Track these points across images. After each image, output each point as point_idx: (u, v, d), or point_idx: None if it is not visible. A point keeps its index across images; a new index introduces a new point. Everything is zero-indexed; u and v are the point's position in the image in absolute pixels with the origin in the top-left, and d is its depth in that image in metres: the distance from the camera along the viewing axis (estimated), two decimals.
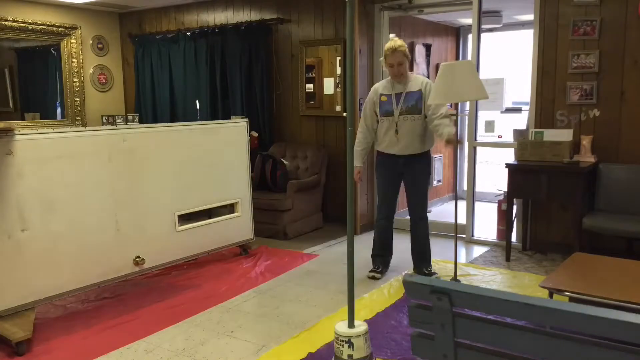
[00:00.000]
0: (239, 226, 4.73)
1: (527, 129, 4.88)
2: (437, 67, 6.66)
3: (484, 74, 5.59)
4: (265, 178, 5.74)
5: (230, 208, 4.71)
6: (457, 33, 7.57)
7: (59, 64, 7.00)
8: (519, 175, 4.58)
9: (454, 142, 3.89)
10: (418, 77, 4.15)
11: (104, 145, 3.64)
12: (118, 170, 3.73)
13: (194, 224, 4.34)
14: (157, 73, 7.12)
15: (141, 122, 7.02)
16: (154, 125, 4.90)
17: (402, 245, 5.35)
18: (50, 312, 3.74)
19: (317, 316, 3.59)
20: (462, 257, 4.88)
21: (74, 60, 7.04)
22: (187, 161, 4.23)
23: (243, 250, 4.92)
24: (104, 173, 3.65)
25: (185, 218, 4.31)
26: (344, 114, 5.66)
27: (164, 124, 5.16)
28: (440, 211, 6.95)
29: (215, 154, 4.45)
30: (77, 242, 3.51)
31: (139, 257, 3.86)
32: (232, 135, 4.62)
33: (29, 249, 3.26)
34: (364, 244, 5.37)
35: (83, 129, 3.70)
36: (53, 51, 6.99)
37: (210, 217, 4.60)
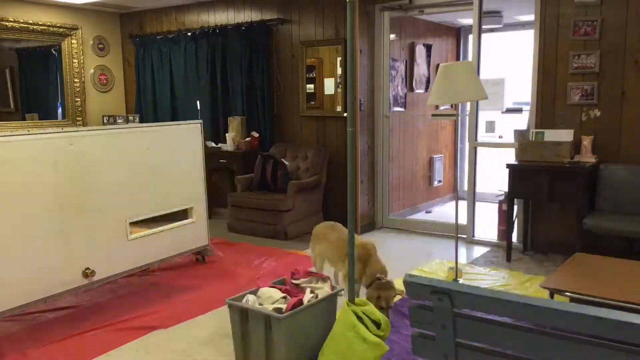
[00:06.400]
0: (194, 233, 4.51)
1: (528, 129, 4.88)
2: (437, 67, 6.68)
3: (485, 74, 5.59)
4: (266, 178, 5.75)
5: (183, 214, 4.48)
6: (457, 33, 7.57)
7: (60, 65, 7.01)
8: (520, 175, 4.58)
9: None
10: None
11: (49, 150, 3.40)
12: (65, 176, 3.49)
13: (146, 232, 4.12)
14: (157, 73, 7.12)
15: (142, 122, 7.04)
16: (101, 127, 4.74)
17: (396, 246, 5.35)
18: (51, 312, 3.74)
19: None
20: (462, 258, 4.88)
21: (74, 60, 7.05)
22: (138, 165, 4.00)
23: (201, 257, 4.77)
24: (50, 179, 3.41)
25: (138, 225, 4.11)
26: (345, 115, 5.66)
27: (112, 125, 4.98)
28: (441, 211, 6.95)
29: (168, 157, 4.23)
30: (21, 254, 3.29)
31: (88, 268, 3.65)
32: (186, 138, 4.41)
33: None
34: None
35: (26, 132, 3.44)
36: (54, 51, 6.99)
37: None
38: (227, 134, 6.38)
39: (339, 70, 5.78)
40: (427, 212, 6.90)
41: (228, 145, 6.32)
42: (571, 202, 4.49)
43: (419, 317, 1.57)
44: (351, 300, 2.87)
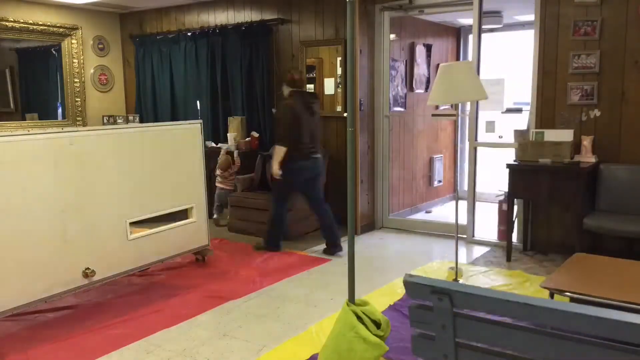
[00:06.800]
0: (194, 232, 4.50)
1: (528, 130, 4.88)
2: (437, 67, 6.68)
3: (485, 74, 5.58)
4: (266, 178, 5.74)
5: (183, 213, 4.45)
6: (457, 33, 7.57)
7: (60, 65, 7.01)
8: (520, 175, 4.58)
9: None
10: None
11: (49, 150, 3.39)
12: (65, 176, 3.47)
13: (146, 232, 4.11)
14: (157, 73, 7.12)
15: (142, 122, 7.04)
16: (101, 127, 4.70)
17: (396, 246, 5.35)
18: (51, 311, 3.74)
19: (318, 316, 3.59)
20: (463, 258, 4.88)
21: (74, 60, 7.05)
22: (138, 165, 3.98)
23: (201, 257, 4.74)
24: (50, 179, 3.39)
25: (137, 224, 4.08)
26: (345, 115, 5.66)
27: (112, 125, 4.95)
28: (441, 211, 6.95)
29: (168, 157, 4.22)
30: (21, 254, 3.27)
31: (88, 268, 3.63)
32: (186, 138, 4.38)
33: None
34: (365, 244, 5.37)
35: (26, 132, 3.43)
36: (54, 51, 7.00)
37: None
38: (228, 134, 6.36)
39: (339, 70, 5.78)
40: (427, 212, 6.90)
41: (230, 145, 6.30)
42: (571, 202, 4.49)
43: (419, 317, 1.57)
44: (351, 300, 2.87)
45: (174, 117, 6.97)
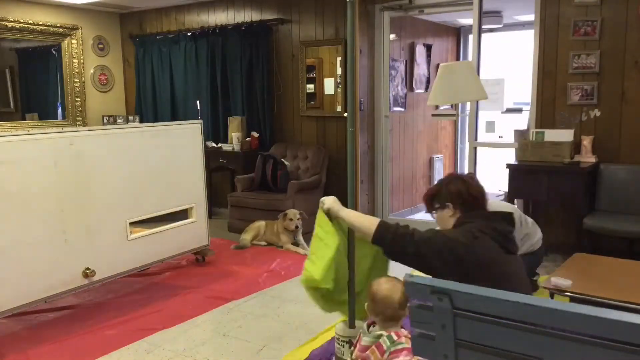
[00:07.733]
0: (194, 232, 4.49)
1: (528, 130, 4.88)
2: (437, 67, 6.67)
3: (485, 74, 5.58)
4: (266, 178, 5.74)
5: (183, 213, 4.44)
6: (457, 33, 7.57)
7: (60, 65, 7.01)
8: (520, 175, 4.57)
9: None
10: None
11: (49, 150, 3.38)
12: (65, 176, 3.47)
13: (146, 232, 4.11)
14: (157, 73, 7.12)
15: (142, 122, 7.04)
16: (101, 127, 4.69)
17: None
18: (51, 311, 3.74)
19: (318, 316, 3.58)
20: None
21: (74, 60, 7.04)
22: (138, 165, 3.98)
23: (201, 257, 4.74)
24: (50, 180, 3.38)
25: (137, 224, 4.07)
26: (345, 115, 5.66)
27: (112, 125, 4.93)
28: None
29: (168, 157, 4.21)
30: (22, 255, 3.27)
31: (88, 268, 3.62)
32: (186, 138, 4.38)
33: None
34: None
35: (26, 132, 3.44)
36: (54, 51, 6.99)
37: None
38: (233, 134, 6.33)
39: (339, 70, 5.78)
40: (427, 212, 6.88)
41: (234, 145, 6.26)
42: (571, 202, 4.49)
43: (419, 317, 1.56)
44: (351, 299, 2.84)
45: (174, 117, 6.97)
